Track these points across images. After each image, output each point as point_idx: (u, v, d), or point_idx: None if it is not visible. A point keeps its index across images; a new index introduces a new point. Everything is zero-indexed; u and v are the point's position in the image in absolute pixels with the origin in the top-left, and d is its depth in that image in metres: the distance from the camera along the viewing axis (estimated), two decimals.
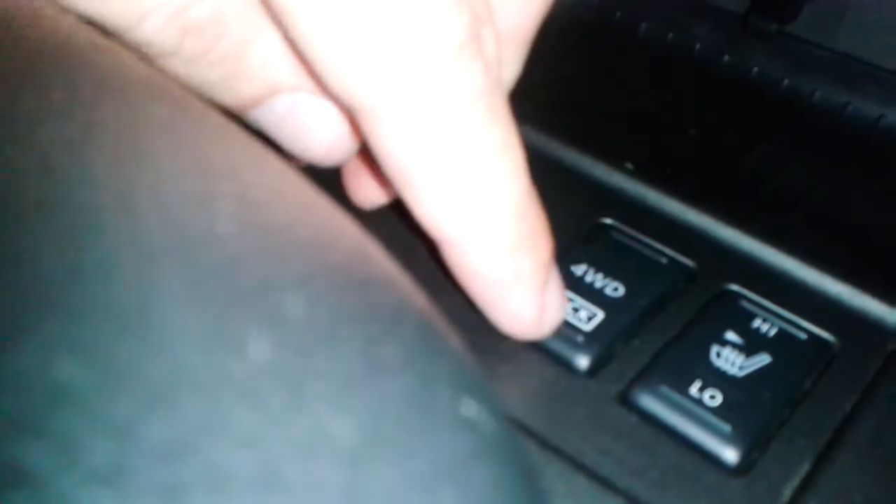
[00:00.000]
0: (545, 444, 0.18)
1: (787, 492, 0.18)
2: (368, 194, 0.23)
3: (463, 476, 0.07)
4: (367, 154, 0.22)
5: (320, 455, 0.06)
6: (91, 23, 0.17)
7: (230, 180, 0.09)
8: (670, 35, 0.37)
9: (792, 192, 0.28)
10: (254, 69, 0.18)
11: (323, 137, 0.19)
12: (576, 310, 0.21)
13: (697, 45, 0.37)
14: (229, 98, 0.19)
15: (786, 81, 0.35)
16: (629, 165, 0.27)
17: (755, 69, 0.35)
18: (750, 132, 0.33)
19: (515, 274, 0.19)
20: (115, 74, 0.10)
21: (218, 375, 0.06)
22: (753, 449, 0.19)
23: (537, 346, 0.21)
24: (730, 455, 0.19)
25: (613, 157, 0.27)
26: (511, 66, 0.21)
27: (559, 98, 0.33)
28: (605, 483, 0.18)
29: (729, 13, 0.36)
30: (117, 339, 0.06)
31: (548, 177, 0.27)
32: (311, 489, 0.06)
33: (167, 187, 0.08)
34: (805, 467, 0.19)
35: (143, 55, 0.17)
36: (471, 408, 0.08)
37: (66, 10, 0.12)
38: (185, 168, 0.08)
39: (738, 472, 0.19)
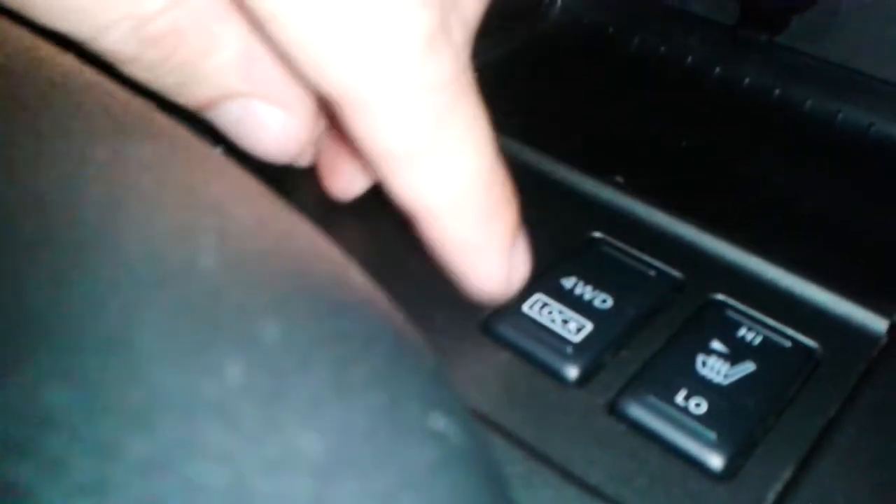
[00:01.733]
0: (534, 454, 0.19)
1: (771, 496, 0.19)
2: (342, 187, 0.24)
3: (427, 486, 0.08)
4: (337, 149, 0.23)
5: (289, 470, 0.07)
6: (54, 33, 0.18)
7: (213, 214, 0.09)
8: (662, 48, 0.38)
9: (781, 202, 0.29)
10: (208, 76, 0.20)
11: (273, 138, 0.21)
12: (565, 321, 0.22)
13: (689, 58, 0.37)
14: (185, 101, 0.20)
15: (777, 91, 0.35)
16: (619, 179, 0.27)
17: (746, 80, 0.36)
18: (742, 143, 0.33)
19: (487, 238, 0.20)
20: (107, 115, 0.10)
21: (194, 397, 0.07)
22: (738, 455, 0.19)
23: (527, 357, 0.21)
24: (715, 461, 0.19)
25: (604, 171, 0.27)
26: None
27: (551, 113, 0.34)
28: (594, 491, 0.19)
29: (719, 25, 0.37)
30: (101, 366, 0.07)
31: (539, 192, 0.27)
32: (280, 501, 0.07)
33: (152, 224, 0.08)
34: (788, 472, 0.19)
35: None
36: (439, 422, 0.09)
37: (62, 50, 0.13)
38: (170, 204, 0.09)
39: (723, 477, 0.19)
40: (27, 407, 0.06)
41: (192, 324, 0.08)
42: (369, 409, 0.08)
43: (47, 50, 0.12)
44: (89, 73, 0.12)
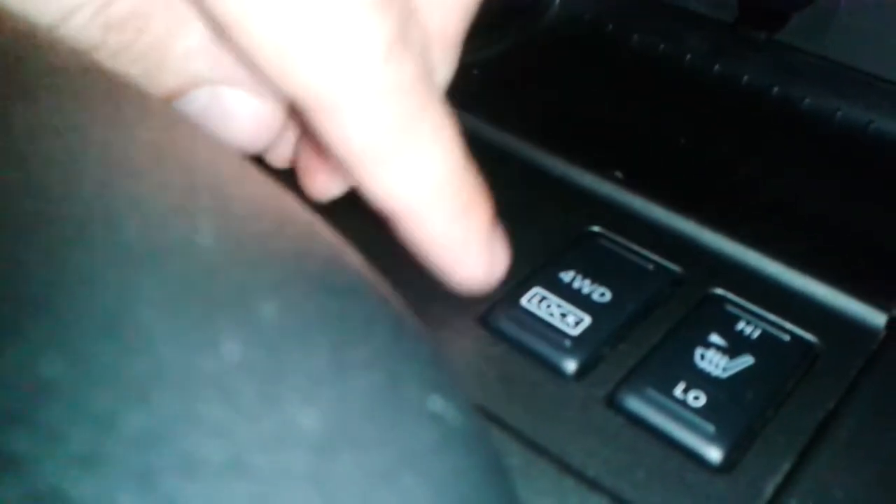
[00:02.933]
0: (533, 446, 0.19)
1: (770, 489, 0.19)
2: (321, 188, 0.24)
3: (426, 465, 0.08)
4: (314, 150, 0.23)
5: (288, 445, 0.07)
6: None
7: (212, 194, 0.09)
8: (662, 46, 0.38)
9: (780, 198, 0.29)
10: (175, 63, 0.20)
11: (243, 125, 0.21)
12: (564, 315, 0.22)
13: (688, 55, 0.37)
14: (153, 89, 0.20)
15: (775, 89, 0.35)
16: (619, 174, 0.27)
17: (745, 77, 0.36)
18: (740, 139, 0.33)
19: (466, 234, 0.21)
20: (108, 98, 0.10)
21: (191, 371, 0.07)
22: (737, 448, 0.19)
23: (526, 351, 0.21)
24: (713, 454, 0.19)
25: (604, 167, 0.27)
26: (442, 68, 0.22)
27: (551, 109, 0.34)
28: (592, 483, 0.19)
29: (719, 23, 0.37)
30: (98, 339, 0.07)
31: (539, 187, 0.27)
32: (278, 475, 0.07)
33: (151, 202, 0.08)
34: (787, 465, 0.19)
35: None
36: (437, 404, 0.09)
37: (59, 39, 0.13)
38: (168, 184, 0.09)
39: (721, 470, 0.19)
40: (23, 377, 0.06)
41: (191, 300, 0.08)
42: (368, 388, 0.08)
43: (45, 35, 0.12)
44: (88, 57, 0.12)
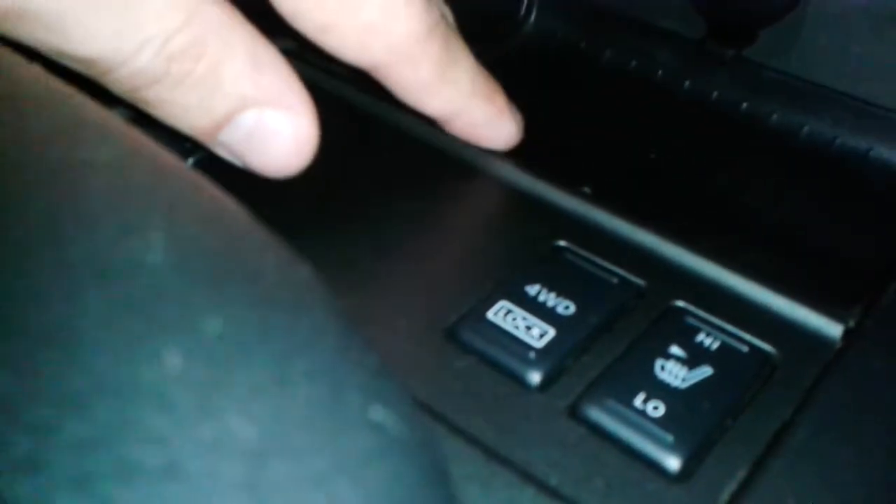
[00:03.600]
0: (495, 456, 0.19)
1: (725, 496, 0.19)
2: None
3: (361, 472, 0.08)
4: None
5: (222, 452, 0.07)
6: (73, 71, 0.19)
7: (163, 214, 0.10)
8: (633, 62, 0.38)
9: (744, 213, 0.30)
10: (227, 86, 0.21)
11: (285, 147, 0.23)
12: (528, 328, 0.22)
13: (659, 72, 0.38)
14: (207, 119, 0.21)
15: (744, 105, 0.36)
16: (587, 190, 0.28)
17: (714, 93, 0.37)
18: (709, 155, 0.34)
19: (498, 110, 0.28)
20: (65, 119, 0.11)
21: (130, 382, 0.07)
22: (694, 457, 0.20)
23: (491, 362, 0.22)
24: (672, 463, 0.20)
25: (573, 182, 0.28)
26: None
27: (525, 126, 0.34)
28: (552, 492, 0.19)
29: (688, 40, 0.38)
30: (40, 352, 0.07)
31: (507, 201, 0.28)
32: (212, 480, 0.07)
33: (100, 222, 0.09)
34: (742, 473, 0.19)
35: (129, 87, 0.19)
36: (379, 413, 0.09)
37: (26, 59, 0.13)
38: (120, 204, 0.09)
39: (679, 479, 0.19)
40: None
41: (134, 315, 0.08)
42: (308, 399, 0.09)
43: (10, 57, 0.13)
44: (53, 81, 0.13)
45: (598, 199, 0.27)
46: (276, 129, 0.22)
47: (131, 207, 0.10)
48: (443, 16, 0.26)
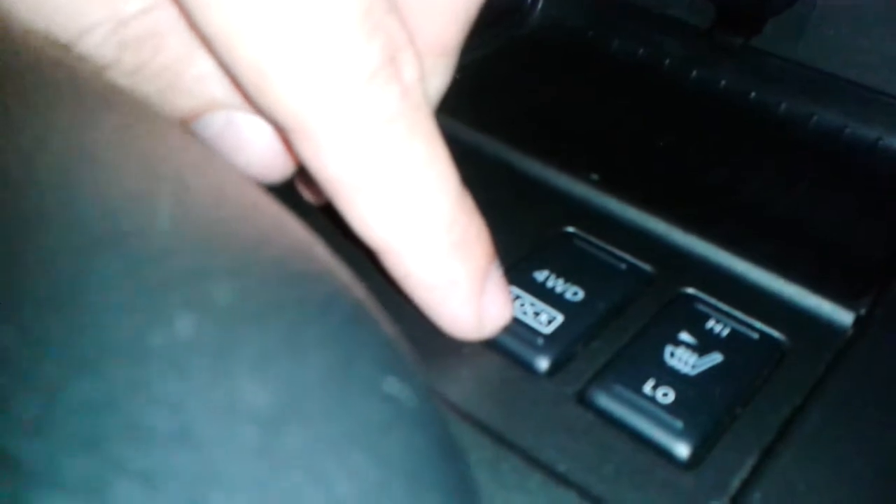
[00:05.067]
0: (502, 441, 0.19)
1: (735, 483, 0.19)
2: (318, 195, 0.24)
3: (375, 442, 0.08)
4: None
5: (236, 417, 0.07)
6: None
7: (172, 181, 0.10)
8: (641, 51, 0.38)
9: (752, 200, 0.29)
10: (190, 85, 0.19)
11: (259, 152, 0.20)
12: (537, 314, 0.22)
13: (667, 60, 0.38)
14: (167, 109, 0.19)
15: (752, 94, 0.36)
16: (594, 177, 0.28)
17: (722, 82, 0.37)
18: (717, 143, 0.34)
19: (450, 280, 0.20)
20: (71, 87, 0.11)
21: (141, 345, 0.07)
22: (704, 444, 0.20)
23: (499, 348, 0.22)
24: (681, 450, 0.20)
25: (581, 169, 0.28)
26: (438, 75, 0.22)
27: (531, 113, 0.34)
28: (561, 478, 0.19)
29: (696, 29, 0.37)
30: (51, 314, 0.07)
31: (517, 187, 0.28)
32: (225, 445, 0.07)
33: (109, 188, 0.09)
34: (752, 460, 0.19)
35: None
36: (392, 385, 0.09)
37: (30, 28, 0.13)
38: (129, 171, 0.09)
39: (688, 466, 0.19)
40: None
41: (144, 279, 0.08)
42: (320, 366, 0.09)
43: (17, 26, 0.13)
44: (57, 48, 0.13)
45: (606, 185, 0.27)
46: (249, 136, 0.20)
47: (140, 173, 0.10)
48: (415, 105, 0.19)
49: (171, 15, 0.18)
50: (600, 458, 0.19)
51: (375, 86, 0.17)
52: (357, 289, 0.11)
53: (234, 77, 0.18)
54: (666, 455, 0.20)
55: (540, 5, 0.41)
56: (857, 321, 0.23)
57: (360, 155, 0.18)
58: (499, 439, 0.19)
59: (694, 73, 0.37)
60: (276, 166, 0.21)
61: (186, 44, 0.18)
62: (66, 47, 0.12)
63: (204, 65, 0.19)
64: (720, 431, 0.20)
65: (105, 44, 0.18)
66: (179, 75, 0.19)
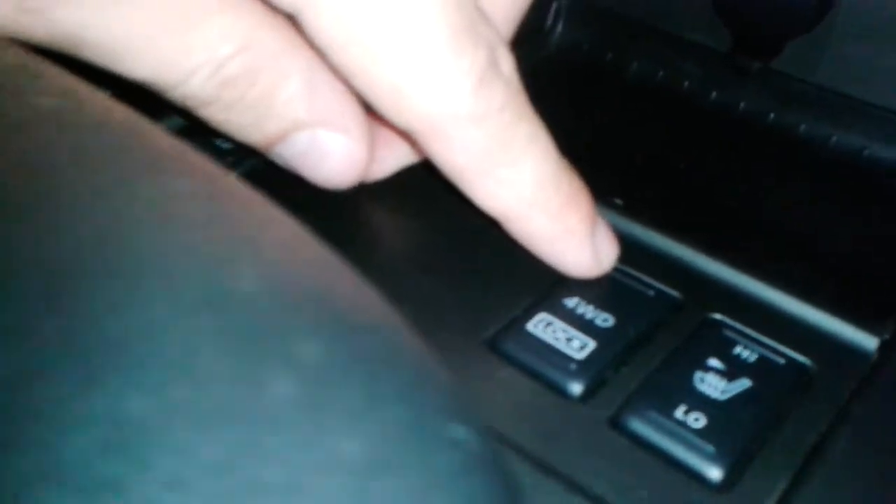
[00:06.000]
0: (540, 465, 0.20)
1: None
2: (379, 164, 0.26)
3: (452, 487, 0.09)
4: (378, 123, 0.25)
5: (336, 469, 0.08)
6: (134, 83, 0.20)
7: (250, 243, 0.10)
8: (660, 74, 0.39)
9: (776, 225, 0.30)
10: (279, 109, 0.22)
11: (337, 165, 0.23)
12: (569, 339, 0.23)
13: (686, 83, 0.38)
14: (259, 136, 0.22)
15: (771, 115, 0.37)
16: (618, 202, 0.28)
17: (742, 104, 0.37)
18: (737, 166, 0.34)
19: (567, 229, 0.24)
20: (146, 153, 0.11)
21: (252, 406, 0.08)
22: (736, 467, 0.20)
23: (533, 374, 0.22)
24: (714, 473, 0.20)
25: (604, 194, 0.28)
26: (507, 58, 0.24)
27: (553, 136, 0.35)
28: (598, 500, 0.19)
29: (715, 52, 0.38)
30: (172, 381, 0.08)
31: None
32: (330, 495, 0.08)
33: (197, 253, 0.09)
34: (783, 484, 0.20)
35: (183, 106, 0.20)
36: (458, 431, 0.10)
37: (96, 88, 0.14)
38: (210, 235, 0.10)
39: (721, 489, 0.20)
40: (112, 414, 0.07)
41: (244, 343, 0.09)
42: (398, 418, 0.09)
43: (85, 90, 0.13)
44: (124, 112, 0.13)
45: (630, 210, 0.28)
46: (329, 150, 0.23)
47: (220, 238, 0.10)
48: (515, 92, 0.22)
49: (262, 49, 0.20)
50: (635, 482, 0.20)
51: (485, 86, 0.21)
52: (416, 337, 0.12)
53: (371, 100, 0.21)
54: (699, 479, 0.20)
55: (560, 28, 0.42)
56: (883, 345, 0.23)
57: (482, 144, 0.22)
58: (537, 463, 0.20)
59: (713, 95, 0.38)
60: (352, 173, 0.24)
61: (275, 75, 0.21)
62: (128, 111, 0.13)
63: (290, 89, 0.22)
64: (751, 456, 0.21)
65: (206, 84, 0.20)
66: (271, 103, 0.21)
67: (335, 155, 0.23)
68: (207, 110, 0.21)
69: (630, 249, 0.26)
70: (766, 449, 0.21)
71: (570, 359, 0.23)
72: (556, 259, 0.24)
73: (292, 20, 0.21)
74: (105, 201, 0.10)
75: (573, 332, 0.23)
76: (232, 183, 0.13)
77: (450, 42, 0.20)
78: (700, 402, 0.21)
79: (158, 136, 0.13)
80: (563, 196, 0.24)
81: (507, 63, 0.22)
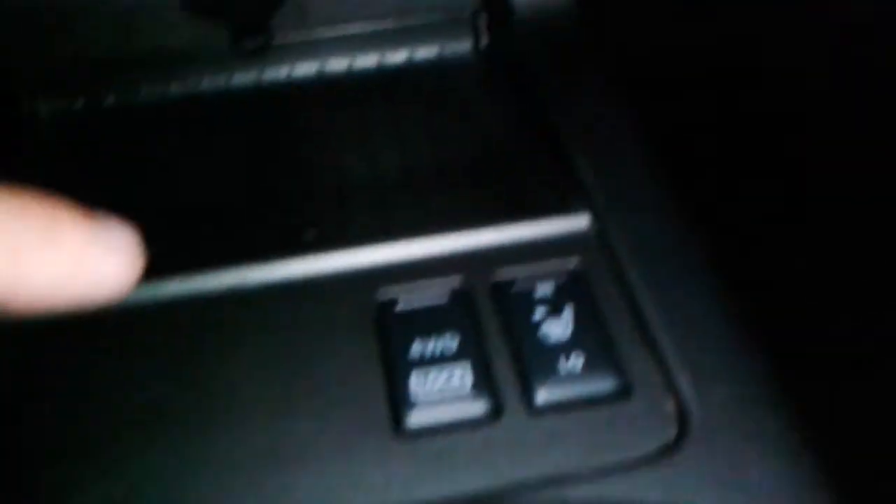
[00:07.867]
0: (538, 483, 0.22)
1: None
2: None
3: None
4: None
5: None
6: None
7: None
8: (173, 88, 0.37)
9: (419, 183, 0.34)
10: None
11: None
12: (449, 377, 0.25)
13: (203, 82, 0.38)
14: None
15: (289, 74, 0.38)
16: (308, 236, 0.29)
17: (265, 77, 0.38)
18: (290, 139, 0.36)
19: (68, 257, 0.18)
20: None
21: None
22: (625, 375, 0.25)
23: (448, 425, 0.24)
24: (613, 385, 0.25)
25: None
26: None
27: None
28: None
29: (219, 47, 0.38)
30: None
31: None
32: None
33: None
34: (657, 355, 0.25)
35: None
36: None
37: None
38: None
39: (623, 394, 0.25)
40: None
41: None
42: None
43: None
44: None
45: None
46: None
47: None
48: None
49: None
50: (587, 439, 0.24)
51: None
52: None
53: None
54: (612, 400, 0.25)
55: None
56: (592, 218, 0.29)
57: None
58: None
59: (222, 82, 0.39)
60: None
61: None
62: None
63: None
64: (620, 357, 0.25)
65: None
66: None
67: None
68: None
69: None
70: (620, 343, 0.26)
71: (463, 388, 0.24)
72: (80, 288, 0.19)
73: None
74: None
75: (445, 366, 0.25)
76: None
77: None
78: (562, 348, 0.25)
79: None
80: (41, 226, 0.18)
81: None
